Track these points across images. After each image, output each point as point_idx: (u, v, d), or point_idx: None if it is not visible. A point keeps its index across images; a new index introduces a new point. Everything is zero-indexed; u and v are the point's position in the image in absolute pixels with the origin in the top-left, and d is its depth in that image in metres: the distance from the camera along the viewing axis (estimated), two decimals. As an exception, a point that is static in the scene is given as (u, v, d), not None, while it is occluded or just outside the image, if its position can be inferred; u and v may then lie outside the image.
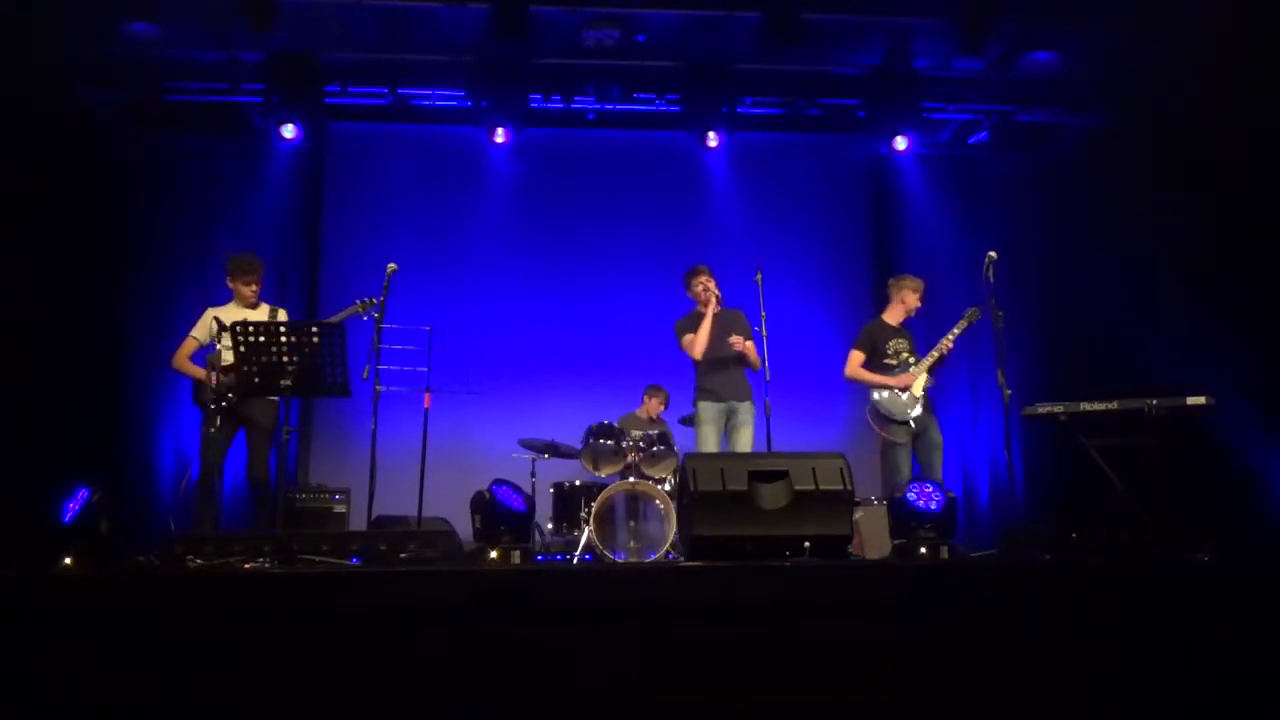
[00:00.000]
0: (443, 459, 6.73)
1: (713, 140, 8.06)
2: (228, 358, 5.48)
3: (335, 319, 5.59)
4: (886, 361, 6.31)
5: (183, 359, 5.80)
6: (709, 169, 8.53)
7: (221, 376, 5.52)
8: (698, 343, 6.21)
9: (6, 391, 6.27)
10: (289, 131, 7.71)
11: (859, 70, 8.03)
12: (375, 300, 5.86)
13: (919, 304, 6.50)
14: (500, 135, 7.97)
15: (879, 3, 7.27)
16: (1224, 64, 6.17)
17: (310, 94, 7.76)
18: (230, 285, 5.92)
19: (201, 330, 5.81)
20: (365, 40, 7.52)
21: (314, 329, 4.98)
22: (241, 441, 5.82)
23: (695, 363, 6.28)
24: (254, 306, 5.89)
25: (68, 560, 5.49)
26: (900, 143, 8.10)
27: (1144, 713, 3.02)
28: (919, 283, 6.51)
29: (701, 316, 6.29)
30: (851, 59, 7.90)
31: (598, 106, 8.19)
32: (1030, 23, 7.30)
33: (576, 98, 8.12)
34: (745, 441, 6.14)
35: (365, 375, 5.78)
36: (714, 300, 6.25)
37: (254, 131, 7.98)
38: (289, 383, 4.92)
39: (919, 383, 6.22)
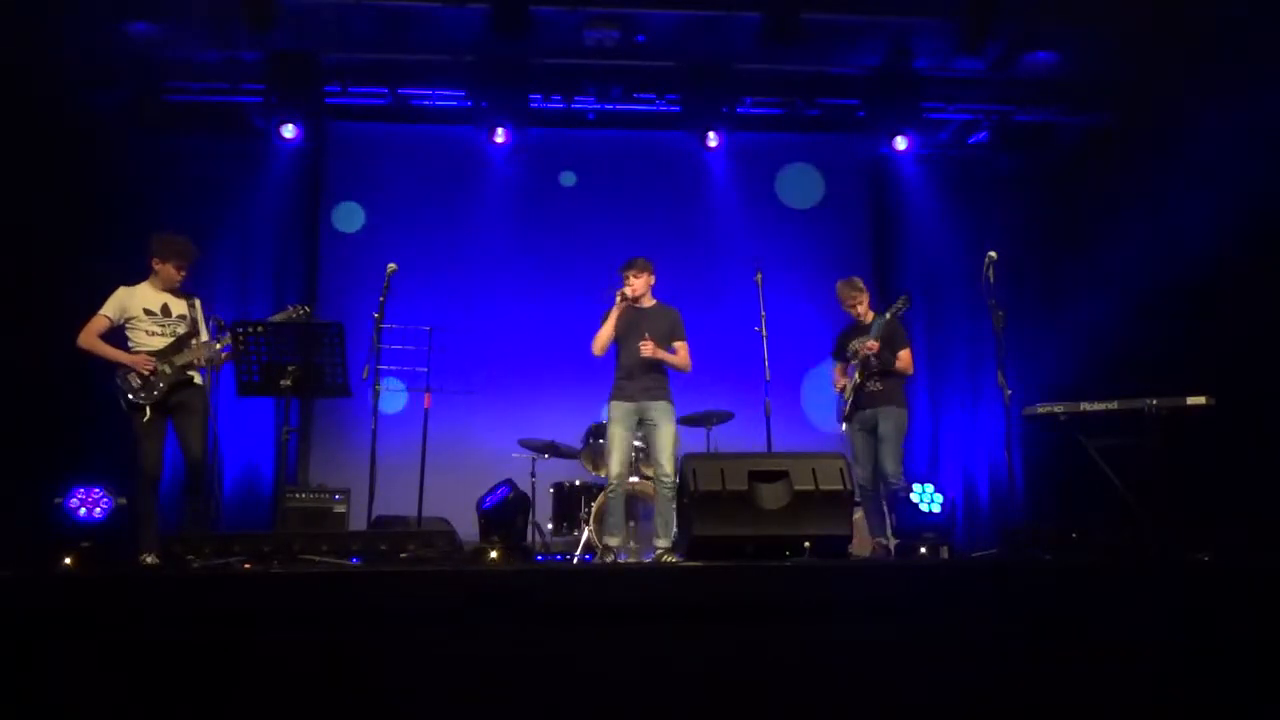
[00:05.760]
0: (443, 459, 6.72)
1: (713, 140, 8.04)
2: (152, 343, 5.22)
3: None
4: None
5: (93, 337, 5.20)
6: (709, 169, 8.50)
7: (159, 364, 5.15)
8: (599, 339, 5.86)
9: (7, 391, 6.27)
10: (289, 131, 7.69)
11: (859, 70, 8.03)
12: (306, 308, 5.60)
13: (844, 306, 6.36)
14: (500, 135, 7.95)
15: (879, 3, 7.25)
16: (1224, 62, 6.17)
17: (310, 94, 7.74)
18: (156, 265, 5.34)
19: (113, 309, 5.27)
20: (365, 40, 7.51)
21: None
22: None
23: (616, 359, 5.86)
24: (175, 293, 5.39)
25: (68, 560, 5.52)
26: (900, 143, 8.08)
27: (1144, 712, 3.02)
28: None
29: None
30: (851, 59, 7.89)
31: (598, 106, 8.18)
32: (1030, 23, 7.28)
33: (577, 97, 8.12)
34: (665, 440, 5.69)
35: (365, 375, 5.78)
36: (619, 297, 5.86)
37: (254, 131, 7.97)
38: (289, 383, 4.93)
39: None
